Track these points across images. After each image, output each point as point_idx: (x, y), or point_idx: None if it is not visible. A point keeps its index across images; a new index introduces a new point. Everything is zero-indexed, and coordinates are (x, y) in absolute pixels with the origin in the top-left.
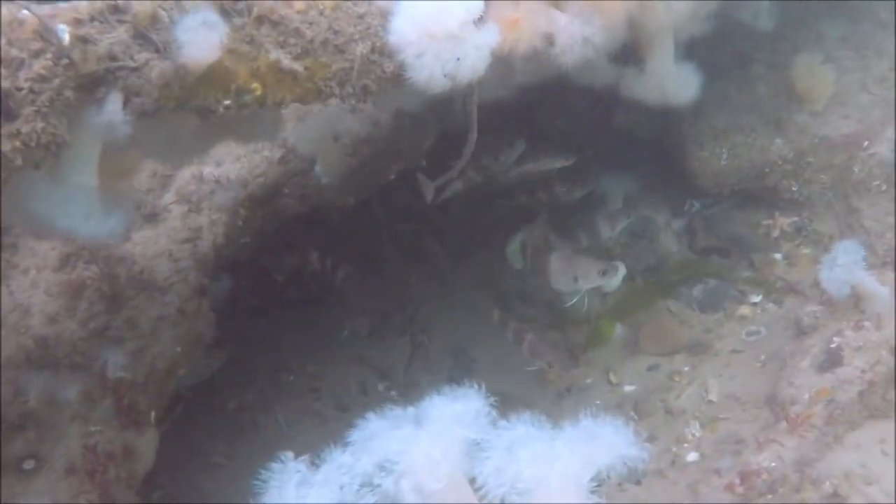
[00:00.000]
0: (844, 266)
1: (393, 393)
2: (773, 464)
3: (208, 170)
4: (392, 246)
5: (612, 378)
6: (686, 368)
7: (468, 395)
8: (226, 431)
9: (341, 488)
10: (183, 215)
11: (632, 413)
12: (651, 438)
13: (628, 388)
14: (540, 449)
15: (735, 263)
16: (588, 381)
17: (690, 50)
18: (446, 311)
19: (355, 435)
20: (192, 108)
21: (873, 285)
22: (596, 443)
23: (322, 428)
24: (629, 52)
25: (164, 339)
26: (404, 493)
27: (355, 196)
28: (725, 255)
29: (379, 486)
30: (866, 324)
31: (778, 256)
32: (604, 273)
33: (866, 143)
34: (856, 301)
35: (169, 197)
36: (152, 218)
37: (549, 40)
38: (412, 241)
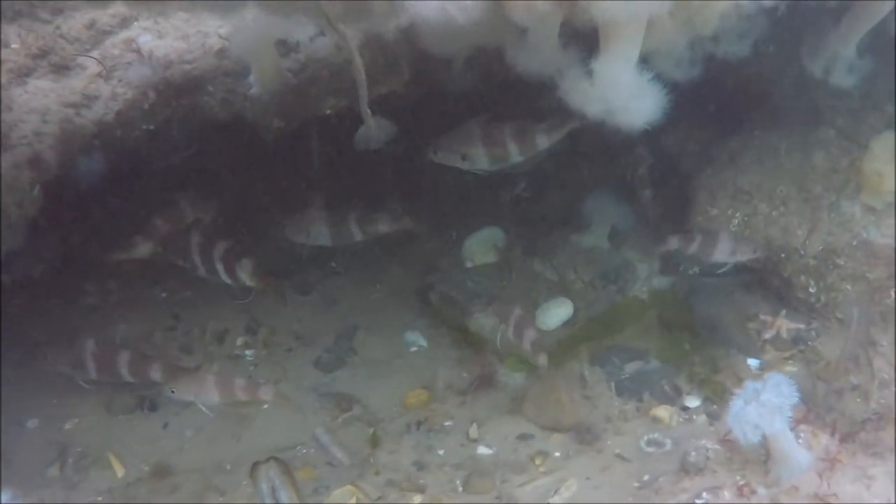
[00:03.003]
0: (765, 407)
1: (248, 353)
2: None
3: (145, 39)
4: (321, 192)
5: (473, 432)
6: (557, 454)
7: None
8: (57, 322)
9: None
10: (90, 77)
11: (458, 483)
12: None
13: (482, 451)
14: None
15: (697, 350)
16: (447, 423)
17: (746, 84)
18: (365, 284)
19: None
20: None
21: (791, 445)
22: None
23: None
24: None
25: None
26: None
27: (285, 120)
28: (691, 336)
29: None
30: (760, 491)
31: (752, 363)
32: None
33: None
34: (765, 456)
35: (94, 53)
36: (61, 69)
37: None
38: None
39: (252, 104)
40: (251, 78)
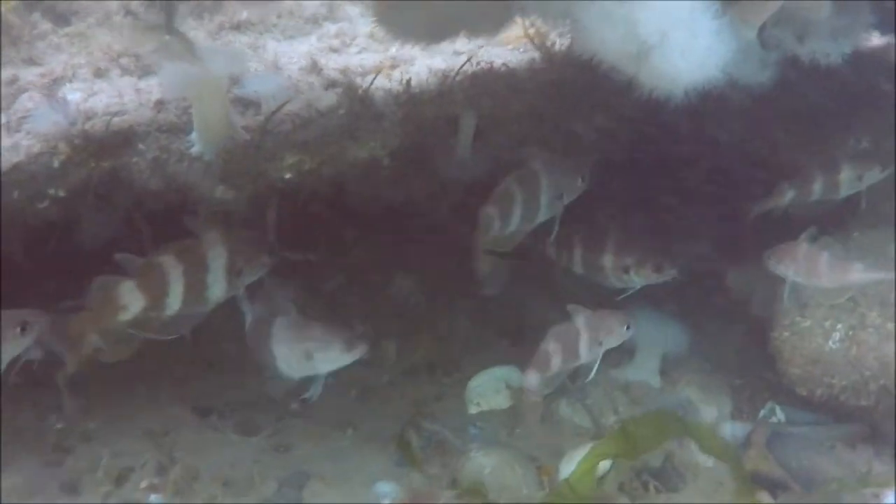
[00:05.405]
0: None
1: (153, 498)
2: None
3: (73, 96)
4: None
5: None
6: None
7: None
8: None
9: None
10: None
11: None
12: None
13: None
14: None
15: None
16: None
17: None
18: (333, 429)
19: None
20: None
21: None
22: None
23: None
24: None
25: None
26: None
27: (236, 189)
28: (780, 490)
29: None
30: None
31: None
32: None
33: None
34: None
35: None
36: None
37: None
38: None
39: (191, 165)
40: (193, 136)
